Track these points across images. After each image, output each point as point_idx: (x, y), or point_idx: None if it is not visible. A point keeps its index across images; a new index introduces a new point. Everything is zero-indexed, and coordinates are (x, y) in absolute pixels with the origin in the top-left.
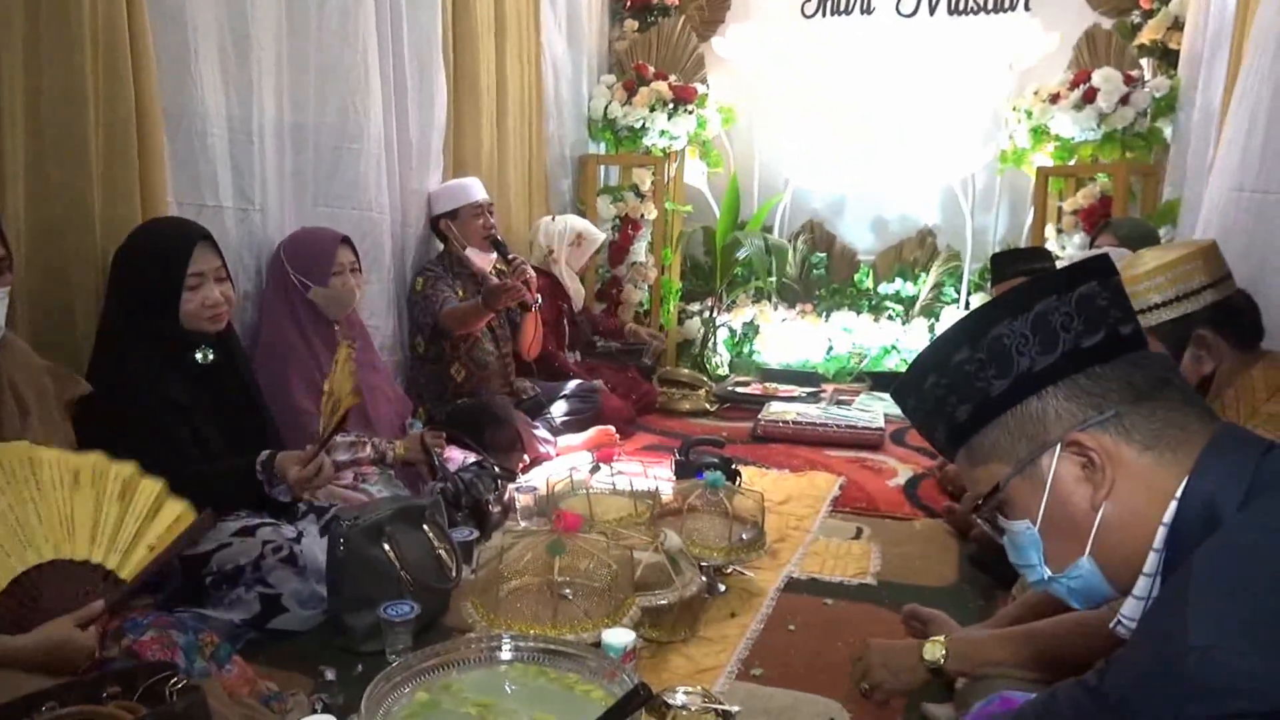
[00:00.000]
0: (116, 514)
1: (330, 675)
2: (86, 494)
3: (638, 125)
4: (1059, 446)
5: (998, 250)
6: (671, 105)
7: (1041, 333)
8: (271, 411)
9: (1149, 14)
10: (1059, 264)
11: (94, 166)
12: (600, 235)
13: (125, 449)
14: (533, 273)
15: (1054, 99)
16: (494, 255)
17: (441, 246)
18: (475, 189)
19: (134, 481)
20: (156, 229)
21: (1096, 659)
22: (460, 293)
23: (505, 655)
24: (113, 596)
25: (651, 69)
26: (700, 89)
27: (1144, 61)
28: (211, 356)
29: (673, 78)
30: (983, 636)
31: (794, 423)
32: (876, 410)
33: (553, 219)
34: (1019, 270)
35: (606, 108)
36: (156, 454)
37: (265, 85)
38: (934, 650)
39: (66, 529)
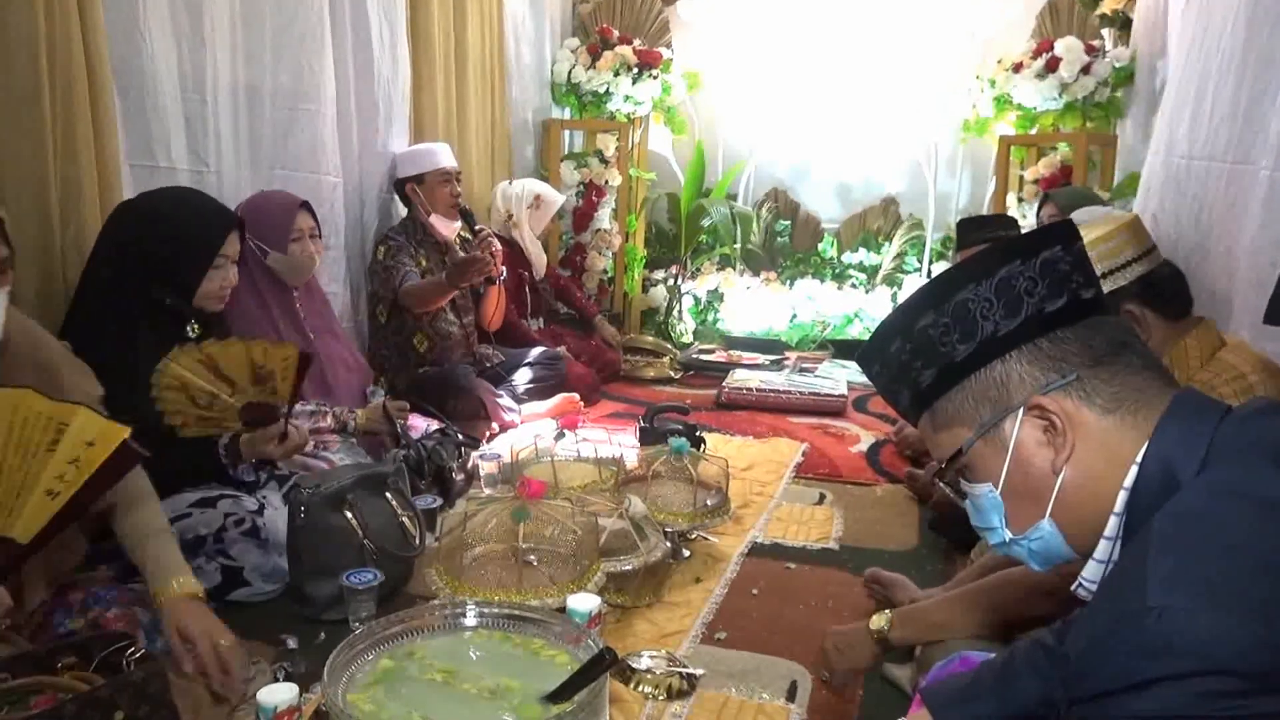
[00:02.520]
0: None
1: (292, 644)
2: None
3: (602, 90)
4: (1021, 410)
5: (960, 219)
6: (636, 70)
7: (1005, 297)
8: None
9: None
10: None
11: (49, 127)
12: (559, 196)
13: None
14: (499, 245)
15: (1017, 68)
16: (459, 224)
17: (405, 211)
18: (443, 155)
19: (4, 414)
20: (191, 206)
21: (1028, 606)
22: (423, 261)
23: (470, 622)
24: (9, 561)
25: (616, 33)
26: (665, 54)
27: (1105, 31)
28: (199, 331)
29: (637, 42)
30: (925, 604)
31: (758, 390)
32: (839, 378)
33: (510, 183)
34: (984, 237)
35: (570, 72)
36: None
37: (219, 44)
38: (879, 620)
39: None
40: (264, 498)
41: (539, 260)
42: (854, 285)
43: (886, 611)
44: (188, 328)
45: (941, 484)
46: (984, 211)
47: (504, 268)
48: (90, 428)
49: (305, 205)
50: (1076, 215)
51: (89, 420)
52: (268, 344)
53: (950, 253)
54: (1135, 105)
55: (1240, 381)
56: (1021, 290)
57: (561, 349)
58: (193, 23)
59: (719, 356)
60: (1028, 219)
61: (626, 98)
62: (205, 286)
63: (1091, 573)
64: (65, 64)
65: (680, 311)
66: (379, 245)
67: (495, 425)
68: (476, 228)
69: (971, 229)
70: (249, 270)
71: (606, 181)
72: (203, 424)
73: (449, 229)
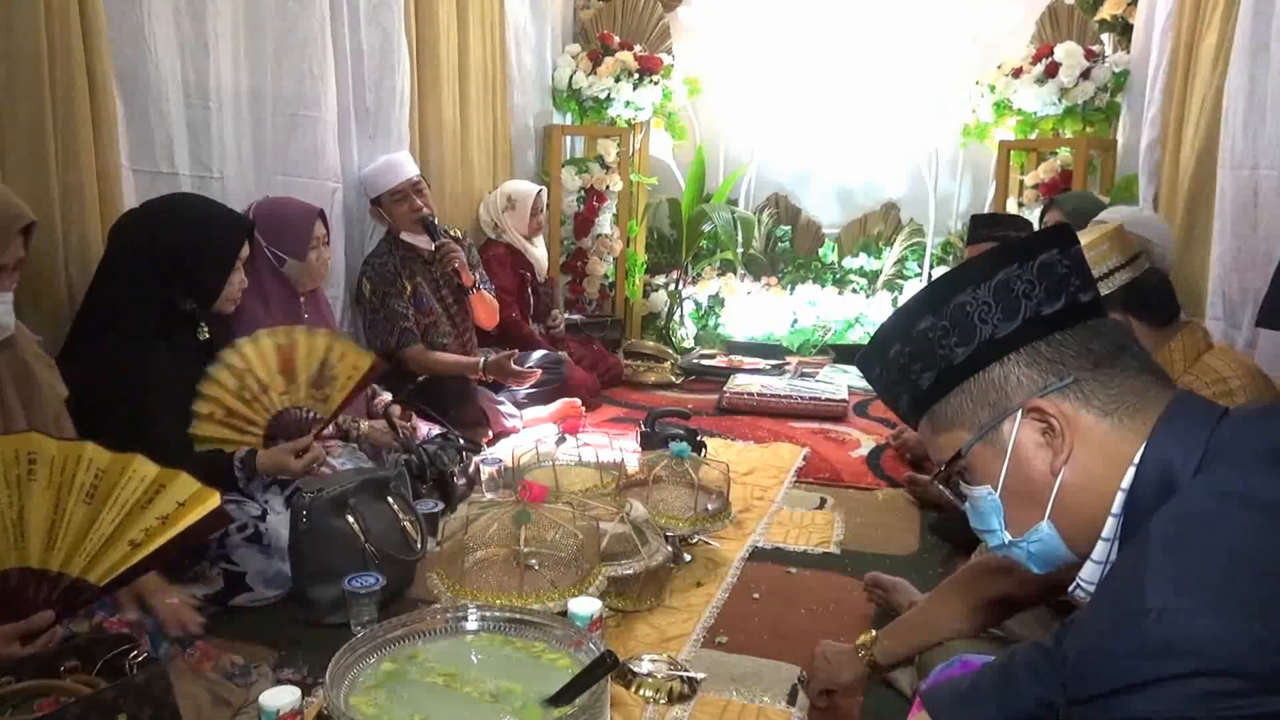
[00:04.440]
0: (84, 515)
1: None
2: (44, 491)
3: (603, 96)
4: (1020, 413)
5: (972, 215)
6: (637, 76)
7: (1003, 300)
8: None
9: None
10: None
11: (50, 132)
12: (531, 188)
13: (113, 425)
14: (462, 256)
15: (1016, 73)
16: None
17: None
18: (395, 171)
19: (111, 475)
20: (207, 212)
21: (992, 589)
22: (408, 285)
23: (471, 625)
24: (80, 599)
25: (616, 39)
26: (666, 59)
27: (1104, 37)
28: (209, 334)
29: (638, 48)
30: (908, 615)
31: (759, 395)
32: (840, 382)
33: (489, 192)
34: (994, 234)
35: (571, 77)
36: (149, 435)
37: (222, 50)
38: (864, 637)
39: (14, 534)
40: (266, 502)
41: (540, 263)
42: (855, 290)
43: (872, 631)
44: (198, 332)
45: (941, 486)
46: None
47: (476, 275)
48: (185, 490)
49: (320, 213)
50: (1104, 215)
51: (186, 483)
52: (349, 347)
53: (950, 257)
54: (1133, 110)
55: (1221, 385)
56: (1019, 293)
57: (563, 354)
58: (196, 29)
59: (720, 361)
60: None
61: (627, 103)
62: (225, 290)
63: (1089, 574)
64: (66, 70)
65: (681, 316)
66: (363, 278)
67: (492, 431)
68: (438, 243)
69: (982, 225)
70: (258, 276)
71: (607, 187)
72: (224, 426)
73: (426, 243)
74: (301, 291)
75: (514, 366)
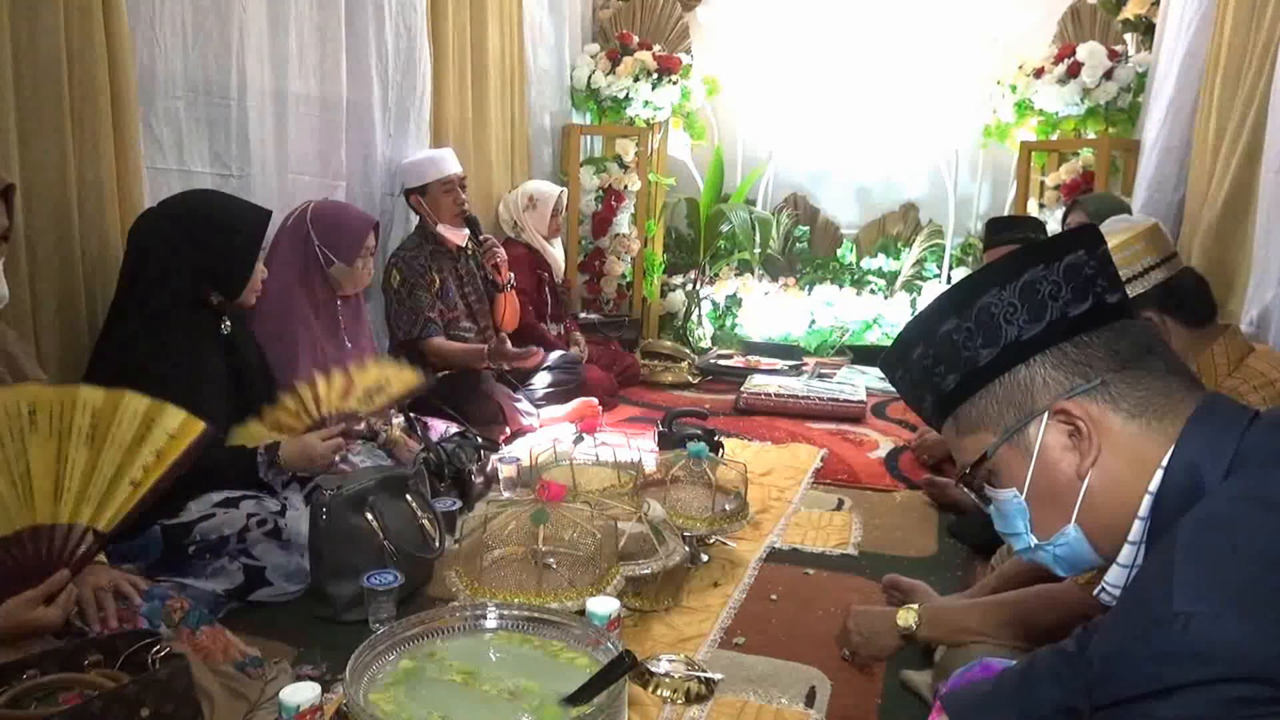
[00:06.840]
0: (86, 460)
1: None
2: (45, 441)
3: (621, 95)
4: (1046, 415)
5: (989, 219)
6: (655, 75)
7: (1029, 302)
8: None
9: None
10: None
11: (70, 132)
12: (553, 189)
13: None
14: (504, 253)
15: (1038, 73)
16: (466, 232)
17: (417, 220)
18: (446, 163)
19: (106, 414)
20: (231, 207)
21: (1066, 629)
22: (437, 277)
23: (490, 623)
24: (90, 551)
25: (635, 38)
26: (684, 59)
27: (1127, 36)
28: (230, 328)
29: (657, 47)
30: (956, 605)
31: (776, 395)
32: (858, 383)
33: (510, 191)
34: (1011, 238)
35: (590, 77)
36: None
37: (246, 49)
38: (907, 617)
39: (22, 489)
40: (286, 499)
41: (558, 264)
42: (873, 291)
43: (914, 607)
44: (221, 325)
45: (965, 489)
46: None
47: (512, 274)
48: (174, 421)
49: (376, 225)
50: (1104, 225)
51: (174, 415)
52: (400, 372)
53: (970, 259)
54: (1146, 112)
55: (1269, 389)
56: (1045, 295)
57: (576, 350)
58: (218, 28)
59: (737, 362)
60: (1049, 225)
61: (646, 103)
62: (250, 282)
63: (1115, 578)
64: (89, 69)
65: (699, 316)
66: (391, 269)
67: (509, 429)
68: (481, 237)
69: (998, 229)
70: (306, 275)
71: (625, 187)
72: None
73: (458, 237)
74: (340, 295)
75: (512, 349)
